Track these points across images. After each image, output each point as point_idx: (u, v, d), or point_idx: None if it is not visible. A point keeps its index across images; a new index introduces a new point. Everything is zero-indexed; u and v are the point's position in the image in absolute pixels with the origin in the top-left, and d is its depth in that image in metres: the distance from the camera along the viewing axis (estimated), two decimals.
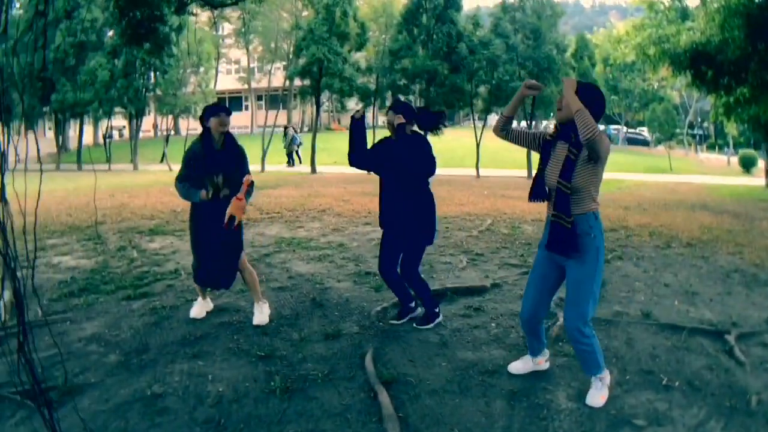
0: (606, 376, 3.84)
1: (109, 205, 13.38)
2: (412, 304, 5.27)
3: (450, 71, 23.30)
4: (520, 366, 4.19)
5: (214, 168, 4.91)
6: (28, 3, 28.97)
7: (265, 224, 10.39)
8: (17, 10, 31.00)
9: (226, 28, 49.11)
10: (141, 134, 36.23)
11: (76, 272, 7.20)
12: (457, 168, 26.01)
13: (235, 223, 4.85)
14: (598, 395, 3.76)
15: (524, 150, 23.25)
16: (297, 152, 29.38)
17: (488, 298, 5.91)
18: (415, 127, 5.05)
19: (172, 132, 37.75)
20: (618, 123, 51.57)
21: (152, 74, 29.07)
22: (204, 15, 41.02)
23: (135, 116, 30.16)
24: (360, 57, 25.88)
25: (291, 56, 28.28)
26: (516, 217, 11.10)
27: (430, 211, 4.94)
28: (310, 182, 19.80)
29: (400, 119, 4.88)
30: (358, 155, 5.05)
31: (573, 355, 4.32)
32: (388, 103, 25.36)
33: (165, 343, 4.73)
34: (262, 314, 5.21)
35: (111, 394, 3.86)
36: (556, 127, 3.78)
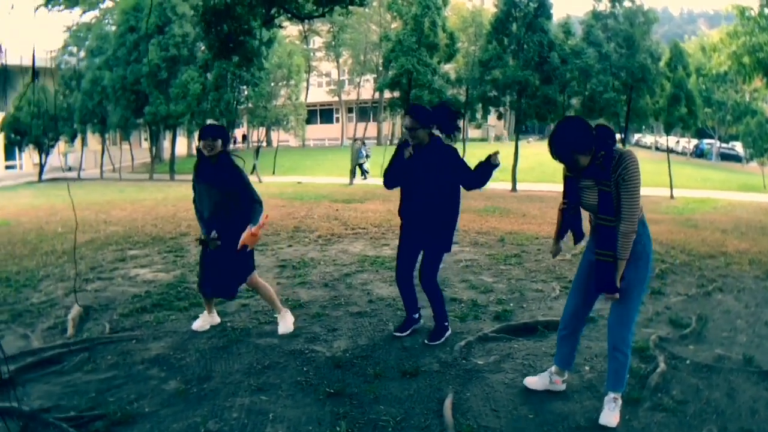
0: (619, 396, 3.75)
1: (194, 216, 13.40)
2: (416, 316, 5.29)
3: (541, 82, 22.53)
4: (537, 382, 4.12)
5: (208, 182, 5.09)
6: (121, 19, 30.09)
7: (349, 240, 10.02)
8: (110, 26, 32.32)
9: (317, 41, 49.80)
10: (235, 145, 36.94)
11: (152, 286, 7.06)
12: (548, 183, 25.08)
13: (248, 248, 5.09)
14: (612, 415, 3.67)
15: None
16: (362, 165, 29.30)
17: (582, 334, 5.23)
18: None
19: (264, 143, 38.34)
20: (711, 137, 49.00)
21: (243, 87, 29.51)
22: (295, 29, 41.75)
23: (226, 128, 30.72)
24: (449, 68, 25.44)
25: (380, 68, 28.17)
26: None
27: (453, 220, 4.94)
28: (398, 196, 19.36)
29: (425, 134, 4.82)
30: (395, 177, 5.03)
31: (673, 411, 3.83)
32: (478, 116, 24.86)
33: (230, 371, 4.40)
34: (285, 323, 5.32)
35: (163, 427, 3.56)
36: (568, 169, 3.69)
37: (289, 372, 4.37)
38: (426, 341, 4.97)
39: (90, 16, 38.76)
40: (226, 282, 5.24)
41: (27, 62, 38.33)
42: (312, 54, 48.95)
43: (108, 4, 38.30)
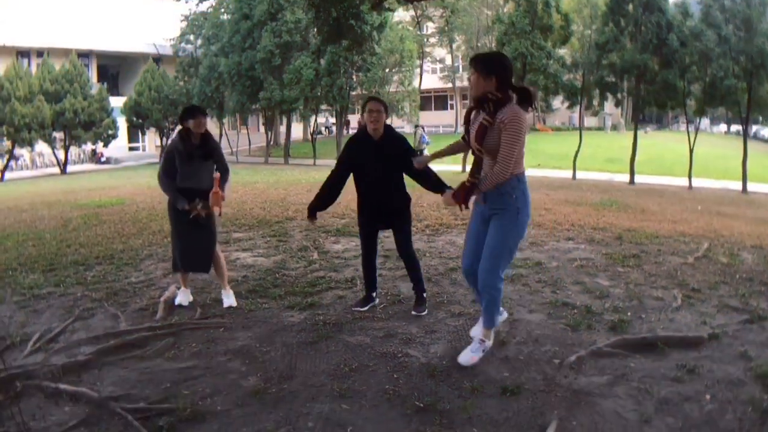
0: (489, 340, 4.16)
1: (303, 200, 13.26)
2: (374, 294, 5.59)
3: (660, 66, 21.03)
4: (479, 330, 4.33)
5: (194, 161, 5.37)
6: (235, 7, 30.73)
7: (458, 231, 9.38)
8: (225, 14, 33.10)
9: (430, 27, 49.29)
10: (349, 131, 37.10)
11: (251, 271, 6.93)
12: (666, 176, 23.52)
13: (216, 213, 5.50)
14: (470, 355, 4.08)
15: (740, 158, 20.54)
16: (423, 152, 28.66)
17: (704, 354, 4.52)
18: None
19: None
20: None
21: (355, 72, 29.46)
22: (407, 15, 41.40)
23: (339, 113, 30.82)
24: (564, 53, 24.30)
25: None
26: (735, 241, 9.27)
27: (409, 198, 5.38)
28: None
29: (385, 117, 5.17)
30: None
31: None
32: (595, 103, 23.57)
33: (314, 371, 4.08)
34: (229, 298, 5.61)
35: (231, 431, 3.29)
36: (473, 101, 4.03)
37: (378, 378, 3.98)
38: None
39: (206, 5, 39.94)
40: (207, 256, 5.56)
41: (147, 49, 40.18)
42: (425, 40, 48.47)
43: None
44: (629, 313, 5.43)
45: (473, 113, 4.06)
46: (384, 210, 5.25)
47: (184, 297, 5.68)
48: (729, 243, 9.04)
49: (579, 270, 7.02)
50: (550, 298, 5.86)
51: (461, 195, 4.01)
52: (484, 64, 3.88)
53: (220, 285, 5.78)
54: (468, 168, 4.27)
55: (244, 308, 5.48)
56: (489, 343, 4.17)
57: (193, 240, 5.47)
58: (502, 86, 3.83)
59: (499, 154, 3.77)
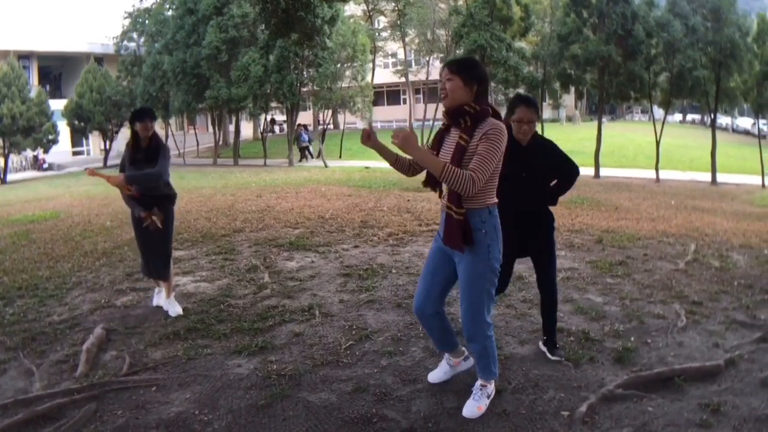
0: (491, 386, 3.69)
1: (253, 208, 12.32)
2: None
3: (625, 57, 20.66)
4: (439, 374, 4.01)
5: (137, 165, 5.35)
6: (179, 2, 29.53)
7: (424, 240, 8.53)
8: (170, 10, 31.87)
9: (382, 21, 48.45)
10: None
11: (191, 301, 6.00)
12: (629, 169, 23.27)
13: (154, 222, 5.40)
14: (475, 405, 3.59)
15: (701, 148, 20.51)
16: (308, 149, 32.30)
17: (724, 386, 3.91)
18: None
19: (330, 126, 37.38)
20: None
21: (306, 68, 28.51)
22: (359, 9, 40.41)
23: (290, 110, 29.80)
24: (525, 44, 23.80)
25: (448, 46, 26.60)
26: (720, 240, 8.79)
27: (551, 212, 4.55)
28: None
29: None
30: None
31: None
32: (559, 95, 23.12)
33: None
34: (174, 307, 5.63)
35: None
36: (445, 115, 3.54)
37: None
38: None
39: (149, 1, 38.32)
40: (162, 263, 5.61)
41: (88, 49, 38.51)
42: (377, 34, 47.62)
43: None
44: (633, 338, 4.76)
45: (445, 134, 3.55)
46: (525, 231, 4.32)
47: (158, 298, 5.89)
48: (716, 243, 8.60)
49: (566, 283, 6.30)
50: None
51: (459, 236, 3.38)
52: (466, 69, 3.37)
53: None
54: None
55: (182, 356, 4.56)
56: (491, 387, 3.67)
57: (150, 246, 5.58)
58: (481, 98, 3.38)
59: (473, 162, 3.24)
